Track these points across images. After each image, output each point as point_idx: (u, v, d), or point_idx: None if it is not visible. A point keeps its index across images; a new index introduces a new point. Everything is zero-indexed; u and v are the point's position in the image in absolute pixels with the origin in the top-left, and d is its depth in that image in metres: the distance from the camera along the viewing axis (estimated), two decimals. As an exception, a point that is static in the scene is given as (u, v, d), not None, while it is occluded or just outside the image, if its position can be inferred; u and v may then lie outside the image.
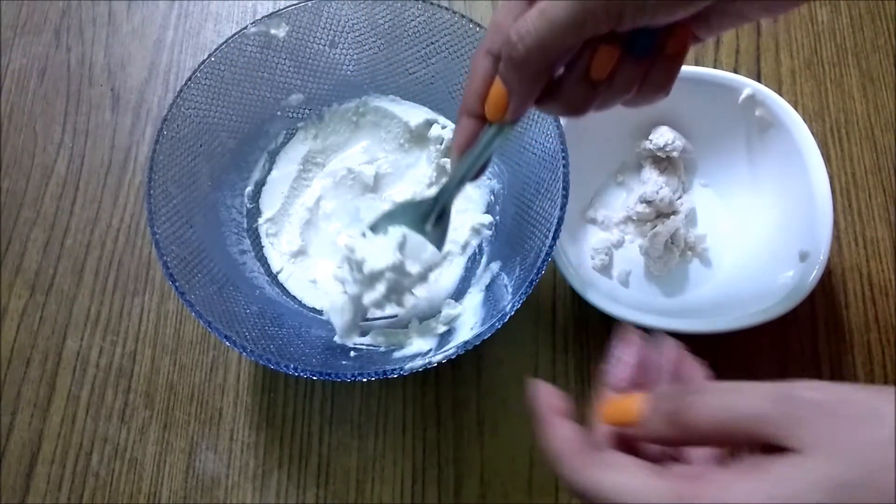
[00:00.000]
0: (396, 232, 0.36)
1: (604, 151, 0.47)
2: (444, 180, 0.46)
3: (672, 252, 0.44)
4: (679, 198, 0.46)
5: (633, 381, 0.30)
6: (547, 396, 0.30)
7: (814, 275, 0.38)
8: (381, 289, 0.36)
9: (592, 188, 0.47)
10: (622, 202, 0.47)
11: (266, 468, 0.42)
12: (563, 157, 0.38)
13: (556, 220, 0.36)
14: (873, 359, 0.43)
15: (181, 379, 0.44)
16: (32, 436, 0.43)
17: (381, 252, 0.35)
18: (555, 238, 0.36)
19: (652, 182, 0.46)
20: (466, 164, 0.31)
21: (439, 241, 0.36)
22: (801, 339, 0.44)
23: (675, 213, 0.46)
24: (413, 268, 0.36)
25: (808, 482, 0.22)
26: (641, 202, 0.46)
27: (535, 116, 0.40)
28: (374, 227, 0.36)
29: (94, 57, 0.54)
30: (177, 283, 0.35)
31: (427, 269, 0.37)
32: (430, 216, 0.35)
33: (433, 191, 0.46)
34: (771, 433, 0.23)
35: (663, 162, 0.47)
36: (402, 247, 0.36)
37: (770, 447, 0.23)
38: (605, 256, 0.45)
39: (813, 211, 0.40)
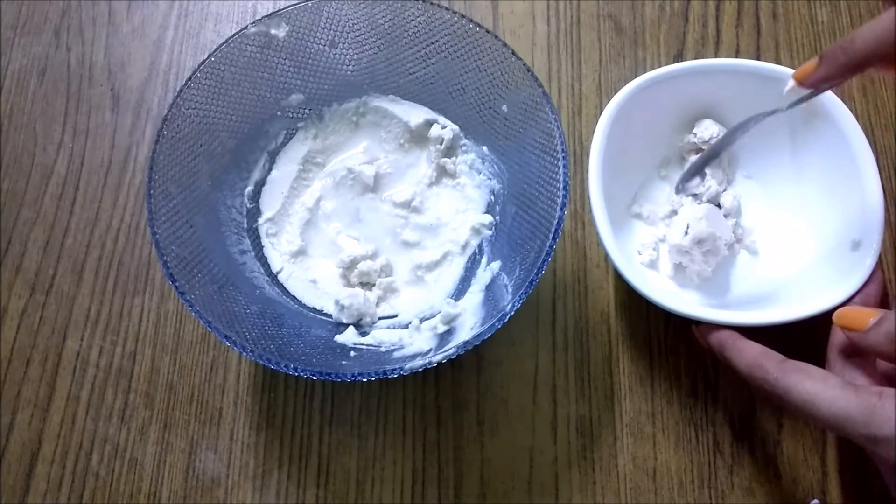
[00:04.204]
0: None
1: (646, 147, 0.47)
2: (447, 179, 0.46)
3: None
4: (724, 190, 0.46)
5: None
6: (720, 330, 0.38)
7: (869, 262, 0.39)
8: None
9: (636, 183, 0.47)
10: (666, 196, 0.47)
11: (266, 468, 0.42)
12: (563, 157, 0.38)
13: (556, 220, 0.36)
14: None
15: (181, 379, 0.44)
16: (32, 436, 0.43)
17: None
18: (555, 238, 0.36)
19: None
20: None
21: None
22: (802, 337, 0.44)
23: (719, 205, 0.46)
24: None
25: None
26: (686, 195, 0.46)
27: (536, 116, 0.40)
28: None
29: (94, 57, 0.54)
30: (177, 283, 0.35)
31: None
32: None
33: (434, 190, 0.46)
34: None
35: None
36: None
37: None
38: (652, 251, 0.45)
39: (862, 199, 0.40)
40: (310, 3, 0.42)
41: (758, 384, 0.35)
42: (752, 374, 0.35)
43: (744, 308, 0.42)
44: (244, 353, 0.34)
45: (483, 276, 0.42)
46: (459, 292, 0.43)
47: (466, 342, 0.35)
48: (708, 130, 0.45)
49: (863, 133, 0.41)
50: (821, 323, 0.39)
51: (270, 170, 0.46)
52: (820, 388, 0.32)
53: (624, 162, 0.44)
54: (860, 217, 0.40)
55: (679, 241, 0.43)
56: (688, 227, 0.43)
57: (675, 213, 0.46)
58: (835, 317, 0.36)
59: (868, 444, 0.30)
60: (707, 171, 0.46)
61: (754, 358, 0.36)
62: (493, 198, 0.45)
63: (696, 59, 0.52)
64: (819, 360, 0.43)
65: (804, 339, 0.43)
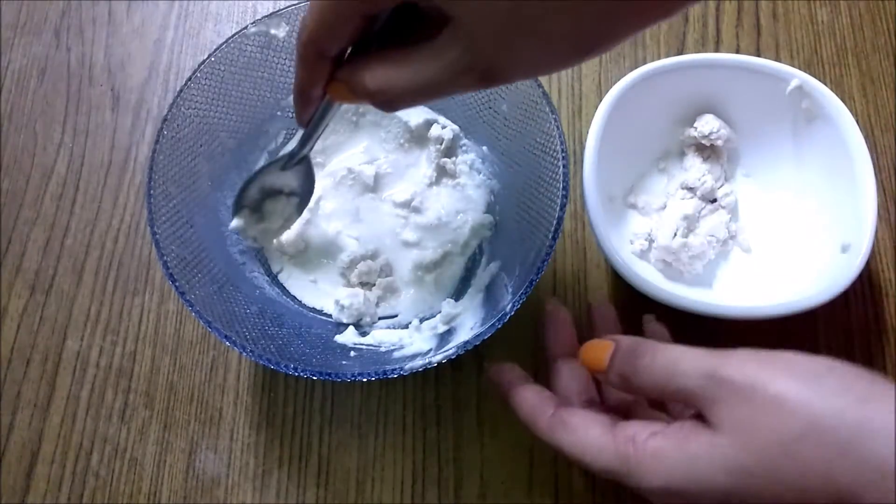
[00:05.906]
0: None
1: (647, 138, 0.47)
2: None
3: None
4: (720, 186, 0.46)
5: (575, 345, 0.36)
6: (507, 373, 0.36)
7: (857, 265, 0.38)
8: None
9: (634, 174, 0.47)
10: (663, 188, 0.47)
11: (266, 468, 0.42)
12: (563, 157, 0.38)
13: (556, 220, 0.36)
14: (873, 358, 0.43)
15: (181, 379, 0.44)
16: (32, 436, 0.43)
17: None
18: (555, 238, 0.36)
19: (695, 169, 0.46)
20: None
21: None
22: (804, 337, 0.44)
23: (714, 200, 0.46)
24: None
25: (715, 463, 0.25)
26: (682, 189, 0.46)
27: (536, 116, 0.40)
28: None
29: (94, 57, 0.54)
30: (177, 283, 0.35)
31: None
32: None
33: (434, 190, 0.46)
34: (699, 406, 0.27)
35: (706, 150, 0.47)
36: None
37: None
38: (644, 242, 0.45)
39: (856, 203, 0.40)
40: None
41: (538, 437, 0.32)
42: (530, 428, 0.32)
43: (733, 302, 0.42)
44: (244, 353, 0.34)
45: (483, 276, 0.42)
46: (459, 292, 0.43)
47: (466, 342, 0.35)
48: (709, 125, 0.45)
49: (862, 137, 0.41)
50: (813, 318, 0.40)
51: (270, 170, 0.46)
52: (582, 443, 0.29)
53: (623, 153, 0.44)
54: (853, 220, 0.40)
55: (668, 243, 0.43)
56: (677, 230, 0.43)
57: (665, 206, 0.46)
58: (581, 361, 0.33)
59: (643, 494, 0.28)
60: (705, 165, 0.46)
61: (527, 412, 0.32)
62: (493, 198, 0.45)
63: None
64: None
65: (801, 334, 0.44)
